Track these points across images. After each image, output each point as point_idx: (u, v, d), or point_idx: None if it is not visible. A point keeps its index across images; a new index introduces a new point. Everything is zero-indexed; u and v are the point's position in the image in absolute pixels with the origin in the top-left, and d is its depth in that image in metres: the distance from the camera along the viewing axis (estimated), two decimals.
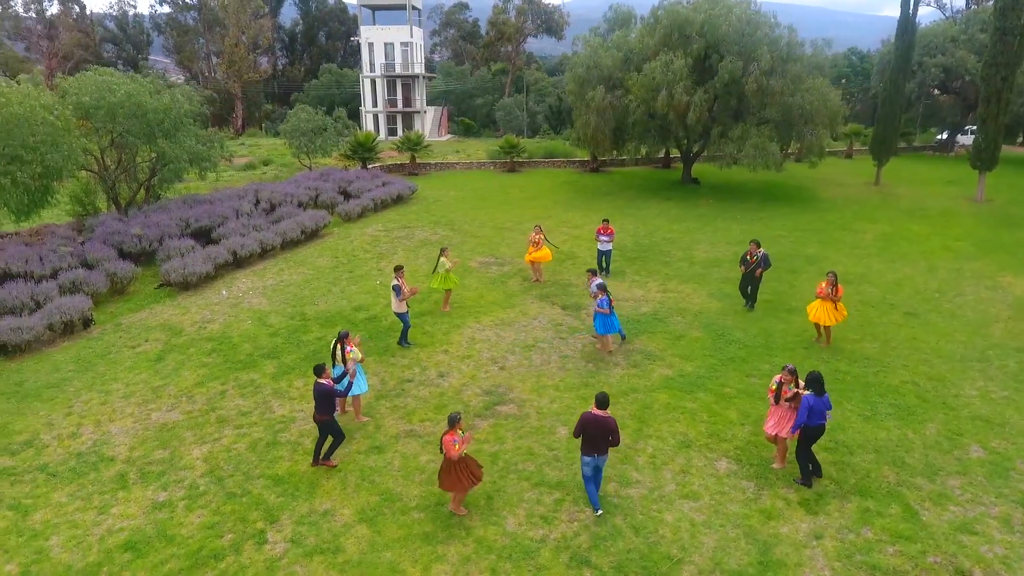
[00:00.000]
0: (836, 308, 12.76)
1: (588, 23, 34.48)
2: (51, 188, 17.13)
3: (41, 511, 8.47)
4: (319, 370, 9.11)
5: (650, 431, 10.19)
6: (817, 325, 13.11)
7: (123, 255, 17.12)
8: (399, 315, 12.89)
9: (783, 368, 9.11)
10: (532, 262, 16.72)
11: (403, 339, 13.16)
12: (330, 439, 9.24)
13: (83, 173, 19.97)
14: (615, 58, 27.64)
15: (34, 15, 68.17)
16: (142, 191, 21.47)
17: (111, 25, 77.25)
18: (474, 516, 8.32)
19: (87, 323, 14.13)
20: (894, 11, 29.43)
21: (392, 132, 54.87)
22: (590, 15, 33.14)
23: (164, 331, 14.02)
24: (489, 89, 65.54)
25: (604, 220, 16.95)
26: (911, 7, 28.97)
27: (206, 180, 26.15)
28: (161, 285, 16.49)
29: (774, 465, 9.21)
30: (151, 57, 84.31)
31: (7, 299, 13.64)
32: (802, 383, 8.96)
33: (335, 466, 9.29)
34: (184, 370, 12.27)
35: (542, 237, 16.45)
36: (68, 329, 13.61)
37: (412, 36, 55.55)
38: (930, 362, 12.55)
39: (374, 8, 58.54)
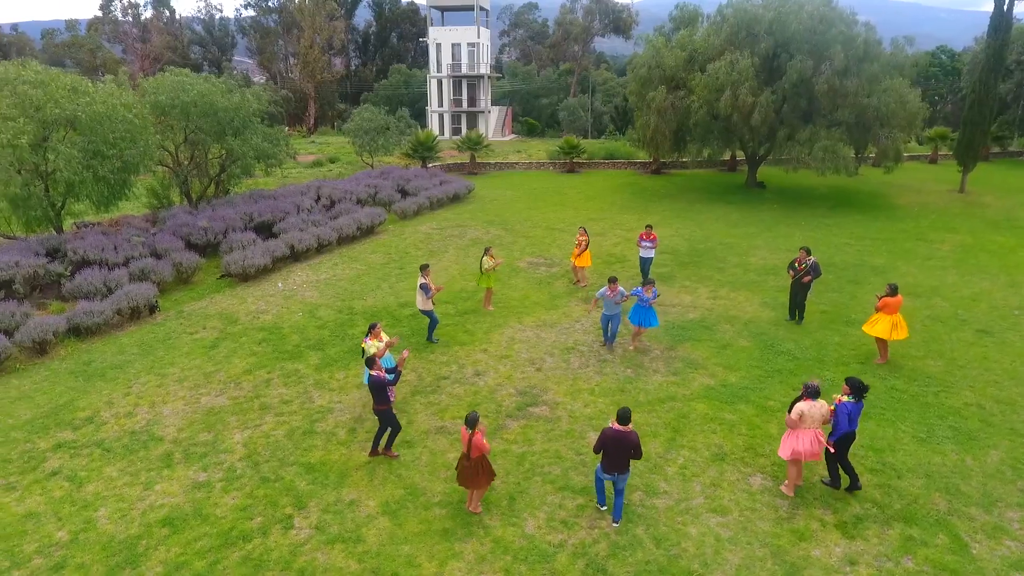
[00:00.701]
0: (895, 324, 12.02)
1: (660, 23, 33.80)
2: (129, 182, 18.26)
3: (94, 483, 9.05)
4: (370, 362, 9.37)
5: (683, 441, 9.92)
6: (877, 340, 12.41)
7: (190, 246, 18.08)
8: (425, 312, 13.07)
9: (803, 386, 8.72)
10: (575, 266, 16.58)
11: (430, 335, 13.33)
12: (389, 430, 9.48)
13: (159, 168, 21.18)
14: (678, 58, 27.04)
15: (130, 19, 72.99)
16: (212, 186, 22.58)
17: (198, 28, 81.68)
18: (494, 516, 8.33)
19: (152, 309, 14.99)
20: (992, 6, 27.41)
21: (456, 132, 55.58)
22: (662, 14, 32.43)
23: (221, 320, 14.71)
24: (554, 89, 65.41)
25: (647, 226, 16.58)
26: (1006, 2, 26.97)
27: (273, 176, 27.27)
28: (223, 276, 17.31)
29: (784, 488, 8.75)
30: (235, 58, 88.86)
31: (83, 285, 14.65)
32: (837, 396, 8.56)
33: (396, 456, 9.51)
34: (235, 358, 12.83)
35: (584, 240, 16.28)
36: (135, 314, 14.48)
37: (479, 37, 56.11)
38: (1000, 384, 11.67)
39: (443, 9, 59.50)
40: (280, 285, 16.99)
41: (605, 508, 8.30)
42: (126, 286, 14.71)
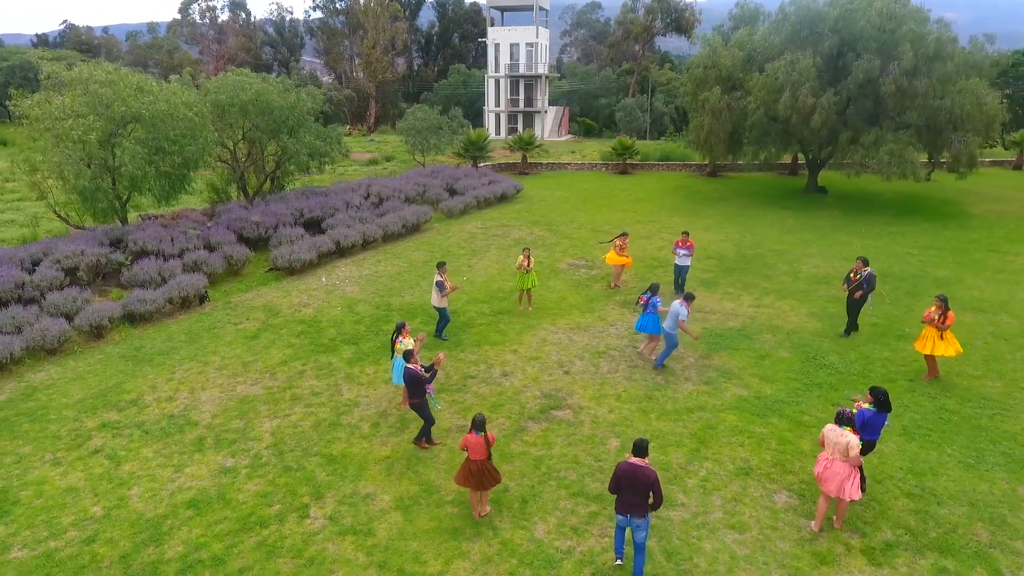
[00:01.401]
0: (943, 338, 11.29)
1: (723, 22, 32.83)
2: (188, 177, 19.13)
3: (130, 463, 9.52)
4: (408, 356, 9.55)
5: (708, 453, 9.62)
6: (927, 356, 11.68)
7: (242, 240, 18.79)
8: (438, 309, 13.17)
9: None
10: (617, 265, 16.35)
11: (439, 332, 13.44)
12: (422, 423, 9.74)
13: (219, 164, 22.11)
14: (735, 57, 26.24)
15: (208, 21, 76.58)
16: (268, 182, 23.41)
17: (270, 30, 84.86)
18: (505, 518, 8.29)
19: (203, 299, 15.66)
20: None
21: (512, 131, 55.67)
22: (726, 14, 31.46)
23: (264, 311, 15.23)
24: (613, 90, 64.64)
25: (684, 232, 16.09)
26: None
27: (329, 174, 28.02)
28: (271, 269, 17.91)
29: (835, 524, 8.06)
30: (303, 58, 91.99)
31: (139, 274, 15.46)
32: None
33: (427, 447, 9.70)
34: (273, 348, 13.25)
35: (617, 243, 16.06)
36: (185, 303, 15.17)
37: (538, 36, 56.08)
38: None
39: (503, 9, 59.77)
40: (323, 279, 17.45)
41: (620, 562, 7.37)
42: (179, 276, 15.42)
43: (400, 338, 10.39)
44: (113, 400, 11.29)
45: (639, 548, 7.08)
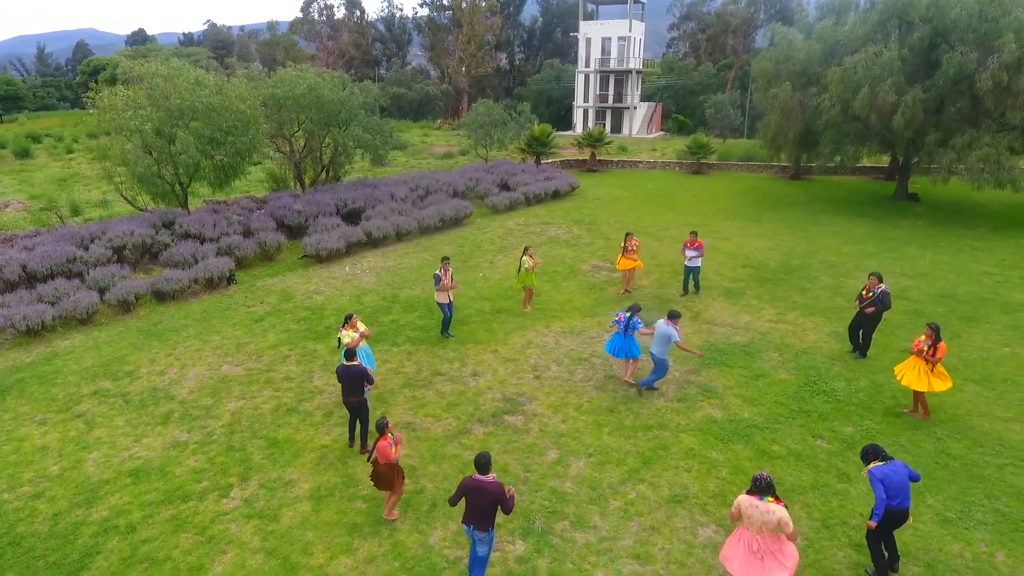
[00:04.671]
0: (932, 372, 9.87)
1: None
2: (241, 166, 20.42)
3: (101, 429, 10.33)
4: (349, 355, 9.64)
5: (647, 475, 9.00)
6: (913, 393, 10.31)
7: (282, 227, 19.80)
8: (440, 305, 13.09)
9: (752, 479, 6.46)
10: (619, 268, 15.70)
11: (444, 329, 13.34)
12: (360, 423, 9.52)
13: (278, 154, 23.41)
14: (812, 51, 24.22)
15: (325, 19, 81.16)
16: (324, 172, 24.50)
17: (380, 26, 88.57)
18: (408, 520, 8.19)
19: (230, 281, 16.67)
20: None
21: (602, 128, 54.77)
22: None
23: (278, 296, 15.98)
24: (712, 85, 61.78)
25: (692, 232, 15.12)
26: None
27: (401, 167, 28.82)
28: (303, 256, 18.75)
29: None
30: (411, 53, 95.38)
31: (175, 255, 16.71)
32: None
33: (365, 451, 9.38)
34: (271, 332, 13.88)
35: (624, 245, 15.36)
36: (211, 284, 16.22)
37: (630, 30, 54.68)
38: None
39: (598, 3, 58.77)
40: (348, 269, 18.04)
41: None
42: (209, 259, 16.50)
43: (343, 328, 10.52)
44: (113, 370, 12.30)
45: (481, 560, 6.80)
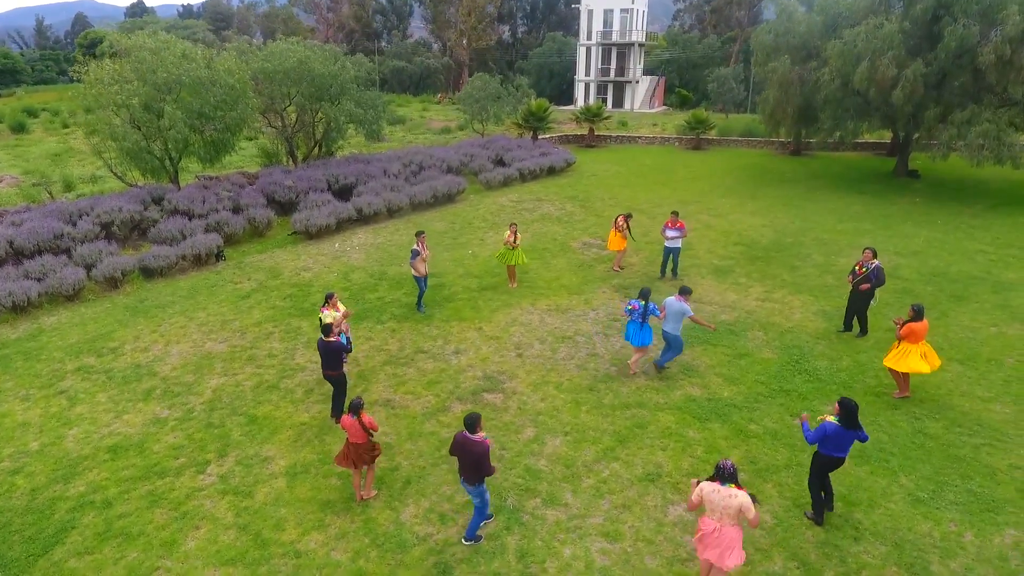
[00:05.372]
0: (924, 356, 9.81)
1: None
2: (231, 142, 20.24)
3: (83, 405, 10.40)
4: (327, 330, 9.65)
5: (621, 453, 9.02)
6: (895, 372, 10.27)
7: (273, 203, 19.69)
8: (416, 279, 13.09)
9: (716, 465, 6.38)
10: (611, 249, 15.57)
11: (419, 304, 13.33)
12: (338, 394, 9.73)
13: (269, 129, 23.20)
14: (812, 23, 23.75)
15: None
16: (317, 148, 24.29)
17: None
18: (382, 496, 8.25)
19: (219, 257, 16.64)
20: None
21: (602, 102, 54.09)
22: None
23: (266, 273, 15.95)
24: (716, 59, 60.81)
25: (673, 212, 14.96)
26: None
27: (399, 142, 28.54)
28: (292, 232, 18.68)
29: None
30: (412, 24, 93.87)
31: (163, 231, 16.66)
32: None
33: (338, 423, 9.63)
34: (256, 310, 13.88)
35: (619, 223, 15.21)
36: (199, 261, 16.19)
37: (633, 2, 53.65)
38: None
39: None
40: (337, 245, 17.98)
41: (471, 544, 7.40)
42: (197, 235, 16.45)
43: (324, 309, 10.50)
44: (98, 346, 12.34)
45: (476, 510, 7.33)
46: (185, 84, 18.35)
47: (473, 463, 6.93)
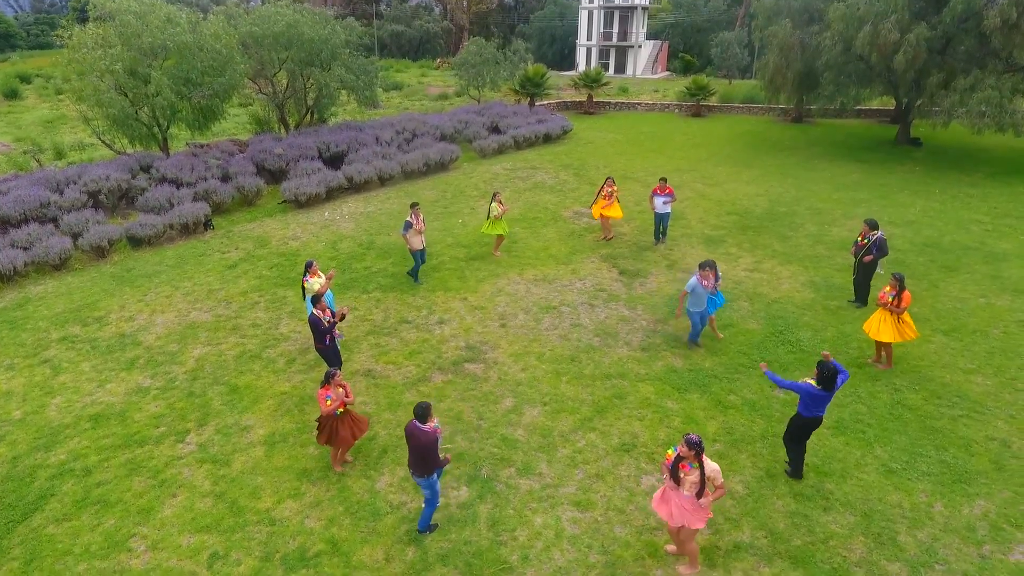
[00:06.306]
0: (899, 321, 9.75)
1: None
2: (220, 108, 19.96)
3: (67, 374, 10.46)
4: (316, 300, 9.63)
5: (599, 423, 9.05)
6: (877, 343, 10.23)
7: (263, 171, 19.51)
8: (412, 252, 12.95)
9: (682, 438, 6.24)
10: (602, 217, 15.38)
11: (413, 274, 13.26)
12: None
13: (260, 96, 22.86)
14: None
15: None
16: (309, 115, 23.96)
17: None
18: (358, 466, 8.33)
19: (207, 226, 16.56)
20: None
21: (604, 67, 53.11)
22: None
23: (254, 242, 15.88)
24: (722, 22, 59.40)
25: (661, 179, 14.79)
26: None
27: (383, 107, 28.16)
28: (282, 201, 18.55)
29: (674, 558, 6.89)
30: None
31: (151, 200, 16.55)
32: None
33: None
34: (242, 279, 13.85)
35: (616, 191, 15.00)
36: (187, 230, 16.12)
37: None
38: None
39: None
40: (327, 214, 17.86)
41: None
42: (185, 204, 16.34)
43: (307, 277, 10.46)
44: (84, 316, 12.37)
45: (426, 501, 7.09)
46: (170, 49, 18.01)
47: (420, 454, 6.69)
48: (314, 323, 9.34)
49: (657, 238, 15.29)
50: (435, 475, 6.95)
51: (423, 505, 7.24)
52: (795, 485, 7.90)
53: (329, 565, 6.87)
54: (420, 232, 12.84)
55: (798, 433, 7.77)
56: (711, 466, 6.26)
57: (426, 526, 7.17)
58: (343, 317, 9.46)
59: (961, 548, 6.99)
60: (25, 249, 14.00)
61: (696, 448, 6.18)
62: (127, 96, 18.33)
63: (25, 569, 6.87)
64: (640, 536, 7.19)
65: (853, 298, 12.43)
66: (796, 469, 7.93)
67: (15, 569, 6.87)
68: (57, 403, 9.72)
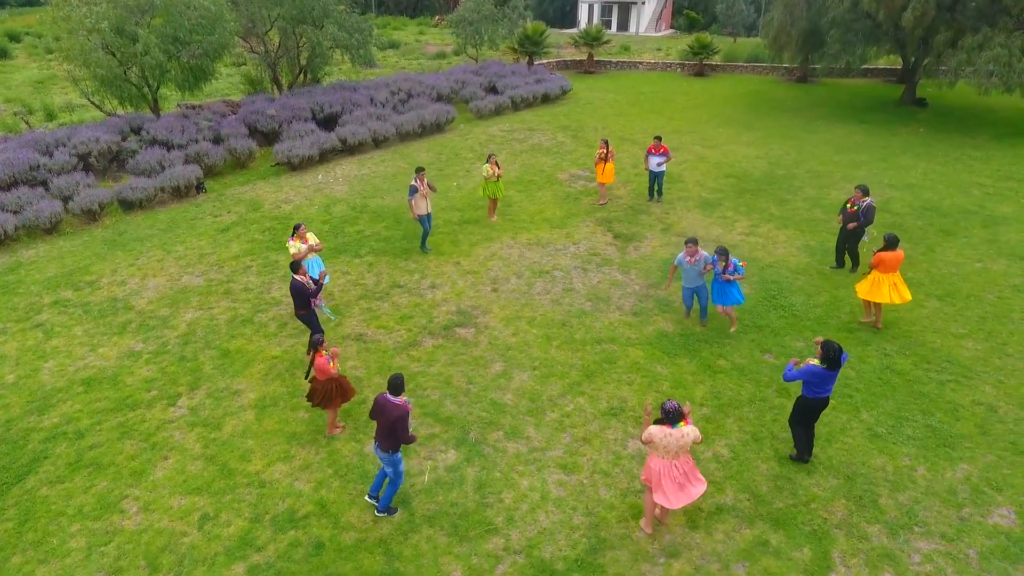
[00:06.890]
0: (892, 285, 9.75)
1: None
2: (210, 68, 19.57)
3: (59, 338, 10.49)
4: (295, 267, 9.56)
5: (587, 388, 9.10)
6: (867, 302, 10.26)
7: (256, 133, 19.23)
8: (419, 218, 12.77)
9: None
10: (600, 184, 15.21)
11: (423, 244, 13.16)
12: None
13: (252, 55, 22.38)
14: None
15: None
16: (302, 75, 23.50)
17: None
18: (348, 429, 8.40)
19: (199, 189, 16.41)
20: None
21: (607, 25, 51.88)
22: None
23: (246, 206, 15.75)
24: None
25: (656, 137, 14.62)
26: None
27: (380, 67, 27.58)
28: (275, 164, 18.33)
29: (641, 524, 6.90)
30: None
31: (142, 162, 16.36)
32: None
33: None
34: (234, 243, 13.78)
35: (605, 152, 14.72)
36: (178, 193, 15.97)
37: None
38: None
39: None
40: (320, 177, 17.67)
41: (373, 500, 7.11)
42: (176, 167, 16.15)
43: (291, 240, 10.39)
44: (75, 280, 12.34)
45: (390, 482, 6.94)
46: (158, 7, 17.57)
47: (389, 428, 6.52)
48: (299, 289, 9.27)
49: (651, 196, 15.18)
50: (400, 453, 6.81)
51: (377, 482, 7.15)
52: (780, 448, 7.97)
53: (318, 526, 6.98)
54: (425, 197, 12.65)
55: (804, 416, 7.53)
56: (692, 430, 6.37)
57: (386, 506, 7.01)
58: (320, 286, 9.41)
59: (941, 510, 7.08)
60: (15, 213, 13.90)
61: (669, 415, 6.27)
62: (115, 56, 17.94)
63: (19, 530, 7.00)
64: (624, 499, 7.29)
65: (835, 263, 12.35)
66: (802, 452, 7.67)
67: (9, 530, 6.99)
68: (50, 367, 9.77)
